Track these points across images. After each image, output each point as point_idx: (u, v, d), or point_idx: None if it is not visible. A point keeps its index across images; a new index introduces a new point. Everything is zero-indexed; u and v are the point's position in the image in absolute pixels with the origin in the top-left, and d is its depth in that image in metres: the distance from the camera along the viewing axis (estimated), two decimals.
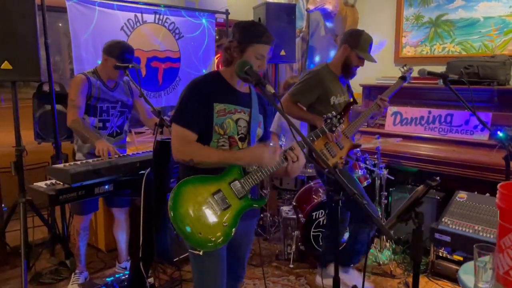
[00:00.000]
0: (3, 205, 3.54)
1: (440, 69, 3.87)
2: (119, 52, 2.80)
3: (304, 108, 2.89)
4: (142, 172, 2.46)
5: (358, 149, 3.56)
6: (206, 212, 1.79)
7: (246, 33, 1.88)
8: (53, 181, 2.37)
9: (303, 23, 5.33)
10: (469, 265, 1.83)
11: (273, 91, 1.75)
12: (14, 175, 3.07)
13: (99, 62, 3.43)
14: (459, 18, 4.22)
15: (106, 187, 2.42)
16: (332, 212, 3.07)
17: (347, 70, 2.86)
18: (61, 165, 2.34)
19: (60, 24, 4.81)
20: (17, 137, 3.07)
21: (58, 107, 3.30)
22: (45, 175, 4.01)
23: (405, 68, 3.10)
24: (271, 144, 2.08)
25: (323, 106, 2.82)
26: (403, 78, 3.03)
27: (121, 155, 2.59)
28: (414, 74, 3.14)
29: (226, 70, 1.97)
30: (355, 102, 2.94)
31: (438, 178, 1.54)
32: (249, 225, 2.07)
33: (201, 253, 1.80)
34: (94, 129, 2.87)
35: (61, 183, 2.31)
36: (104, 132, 2.93)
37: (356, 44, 2.76)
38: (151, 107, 2.69)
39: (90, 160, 2.46)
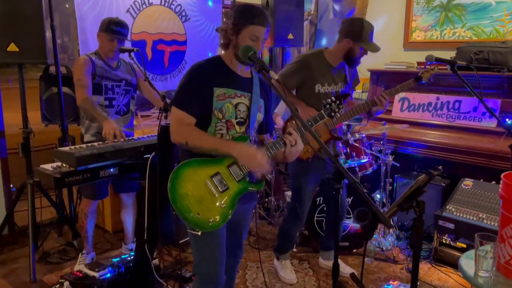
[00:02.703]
0: (11, 185, 3.60)
1: (450, 54, 3.82)
2: (106, 24, 2.83)
3: (293, 92, 2.85)
4: (147, 156, 2.48)
5: (366, 136, 3.57)
6: (205, 194, 1.83)
7: (240, 15, 1.89)
8: (59, 163, 2.39)
9: (311, 6, 5.26)
10: (471, 253, 1.84)
11: (276, 77, 1.74)
12: (21, 157, 3.12)
13: None
14: (470, 2, 4.14)
15: (111, 170, 2.43)
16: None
17: (351, 60, 2.75)
18: (66, 148, 2.35)
19: (67, 5, 4.80)
20: (24, 119, 3.11)
21: (65, 89, 3.32)
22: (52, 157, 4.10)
23: (428, 68, 2.76)
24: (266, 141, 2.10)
25: (306, 92, 2.77)
26: (417, 79, 2.73)
27: (126, 139, 2.61)
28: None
29: (226, 54, 1.98)
30: (348, 94, 2.81)
31: (440, 167, 1.53)
32: (247, 208, 2.11)
33: (199, 233, 1.84)
34: (101, 107, 2.90)
35: (67, 166, 2.33)
36: (111, 110, 2.96)
37: (359, 37, 2.63)
38: (155, 91, 2.68)
39: (95, 144, 2.48)
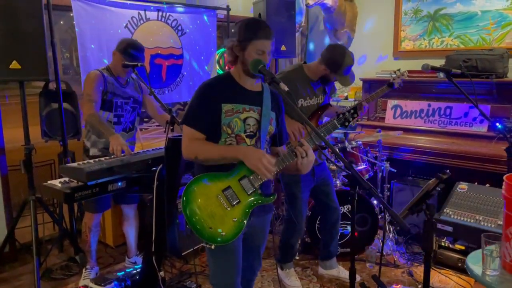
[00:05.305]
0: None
1: (439, 62, 3.95)
2: (124, 47, 2.87)
3: None
4: (154, 169, 2.51)
5: (364, 142, 3.65)
6: (216, 208, 1.85)
7: (245, 31, 1.93)
8: (67, 179, 2.41)
9: (302, 17, 5.36)
10: (476, 254, 1.91)
11: (286, 89, 1.81)
12: (23, 173, 3.11)
13: (105, 60, 3.48)
14: (457, 12, 4.28)
15: (119, 184, 2.46)
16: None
17: (326, 81, 2.90)
18: (75, 164, 2.38)
19: (62, 22, 4.82)
20: (26, 135, 3.10)
21: (65, 105, 3.33)
22: (51, 173, 4.08)
23: (397, 73, 3.05)
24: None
25: (290, 107, 2.83)
26: (390, 85, 3.00)
27: (132, 153, 2.64)
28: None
29: (235, 70, 2.02)
30: (329, 105, 2.97)
31: (448, 171, 1.60)
32: (263, 220, 2.12)
33: (212, 247, 1.86)
34: (109, 124, 2.92)
35: (75, 181, 2.35)
36: (119, 127, 2.98)
37: (336, 70, 2.77)
38: (160, 104, 2.73)
39: (103, 158, 2.50)
